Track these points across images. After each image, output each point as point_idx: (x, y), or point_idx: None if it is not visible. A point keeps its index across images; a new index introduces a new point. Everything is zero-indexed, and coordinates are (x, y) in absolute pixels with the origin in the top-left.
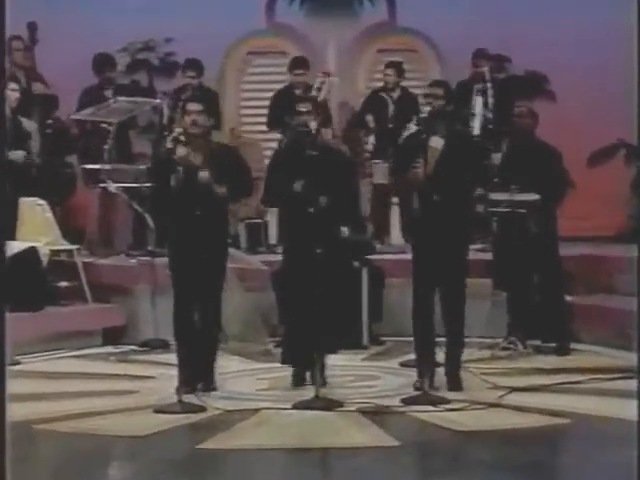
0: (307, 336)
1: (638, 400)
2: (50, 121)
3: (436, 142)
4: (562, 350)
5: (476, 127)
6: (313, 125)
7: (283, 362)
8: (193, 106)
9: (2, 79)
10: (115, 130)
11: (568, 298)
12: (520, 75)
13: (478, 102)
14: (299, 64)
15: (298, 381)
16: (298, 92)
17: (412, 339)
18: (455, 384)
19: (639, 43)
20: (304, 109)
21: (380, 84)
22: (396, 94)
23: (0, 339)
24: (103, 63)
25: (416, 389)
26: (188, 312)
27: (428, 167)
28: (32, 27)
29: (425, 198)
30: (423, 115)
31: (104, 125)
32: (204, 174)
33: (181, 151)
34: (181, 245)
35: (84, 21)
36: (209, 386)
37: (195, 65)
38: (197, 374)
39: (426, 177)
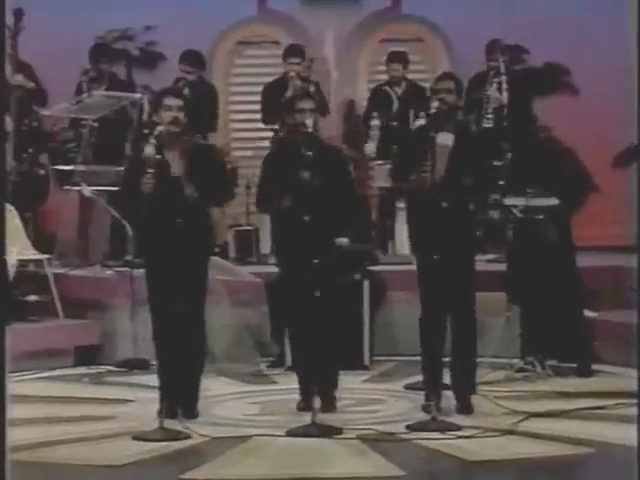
0: (306, 357)
1: (638, 425)
2: (27, 120)
3: (444, 139)
4: (583, 371)
5: (490, 123)
6: (311, 123)
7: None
8: (172, 101)
9: (2, 79)
10: (90, 127)
11: (591, 314)
12: (539, 67)
13: (493, 96)
14: (294, 52)
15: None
16: (296, 84)
17: (418, 358)
18: (466, 407)
19: (639, 43)
20: (305, 107)
21: (383, 77)
22: (401, 88)
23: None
24: (99, 53)
25: (425, 412)
26: (169, 329)
27: (436, 169)
28: (18, 14)
29: (433, 204)
30: (432, 111)
31: (81, 122)
32: (182, 178)
33: (150, 151)
34: (159, 256)
35: (55, 7)
36: (191, 412)
37: (191, 58)
38: (180, 398)
39: (434, 181)
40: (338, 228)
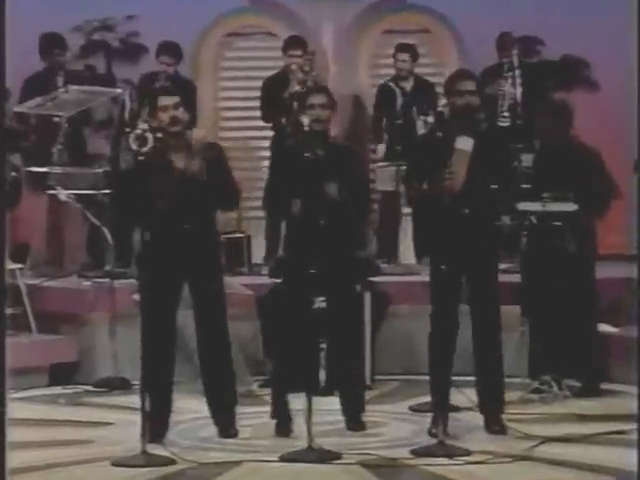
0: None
1: (638, 449)
2: None
3: (464, 143)
4: (589, 391)
5: (505, 122)
6: (327, 120)
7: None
8: (168, 100)
9: (2, 78)
10: (66, 125)
11: (610, 329)
12: (555, 60)
13: (508, 93)
14: (295, 44)
15: (283, 428)
16: (299, 77)
17: (424, 378)
18: (500, 427)
19: (639, 44)
20: (318, 102)
21: (386, 72)
22: (409, 84)
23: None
24: (51, 44)
25: (431, 436)
26: (165, 348)
27: (458, 175)
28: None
29: (453, 212)
30: (440, 109)
31: (54, 119)
32: (196, 165)
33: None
34: (163, 264)
35: None
36: (230, 430)
37: (172, 49)
38: (167, 420)
39: (456, 188)
40: (354, 235)
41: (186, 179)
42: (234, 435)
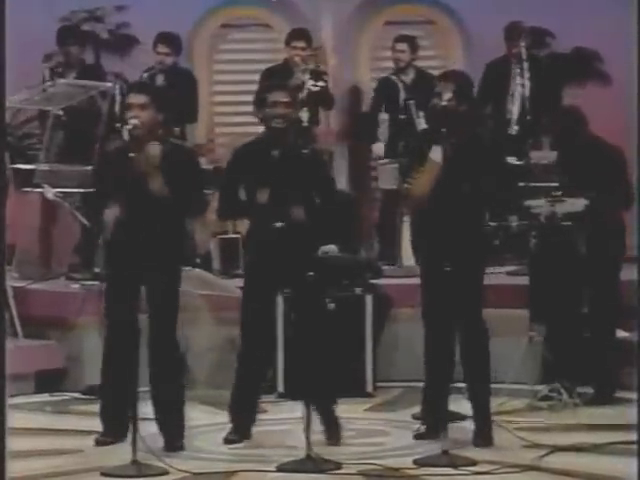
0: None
1: (638, 458)
2: None
3: (436, 154)
4: (602, 398)
5: (514, 121)
6: (289, 119)
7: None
8: (133, 98)
9: (2, 78)
10: (53, 121)
11: (623, 333)
12: (566, 53)
13: (517, 89)
14: (299, 36)
15: (240, 431)
16: (305, 67)
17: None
18: (481, 438)
19: (639, 44)
20: (280, 99)
21: (388, 64)
22: (409, 77)
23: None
24: (65, 37)
25: (417, 439)
26: (125, 350)
27: (427, 182)
28: None
29: (426, 211)
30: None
31: (44, 114)
32: (155, 183)
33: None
34: (120, 267)
35: None
36: (175, 444)
37: (169, 39)
38: (161, 428)
39: (425, 194)
40: (318, 237)
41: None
42: (180, 448)
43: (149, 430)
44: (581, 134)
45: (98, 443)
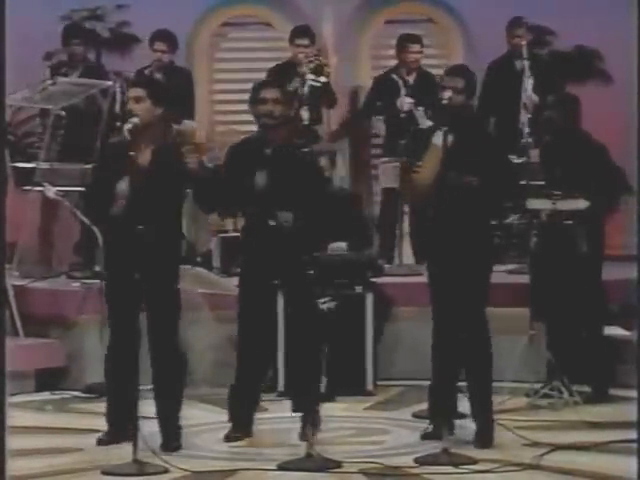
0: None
1: (638, 457)
2: None
3: (437, 138)
4: (598, 396)
5: (522, 118)
6: (279, 117)
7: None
8: (132, 92)
9: (2, 76)
10: (54, 119)
11: (622, 332)
12: (567, 51)
13: (528, 85)
14: (303, 33)
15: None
16: (308, 65)
17: (428, 383)
18: (481, 438)
19: (639, 43)
20: (269, 96)
21: (390, 63)
22: (412, 76)
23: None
24: (70, 34)
25: (424, 439)
26: (128, 348)
27: (429, 171)
28: None
29: (426, 208)
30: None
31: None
32: (152, 179)
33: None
34: (119, 267)
35: None
36: (173, 444)
37: (165, 36)
38: (160, 428)
39: (428, 184)
40: (315, 235)
41: (142, 178)
42: (176, 449)
43: (150, 429)
44: (571, 124)
45: (100, 443)
